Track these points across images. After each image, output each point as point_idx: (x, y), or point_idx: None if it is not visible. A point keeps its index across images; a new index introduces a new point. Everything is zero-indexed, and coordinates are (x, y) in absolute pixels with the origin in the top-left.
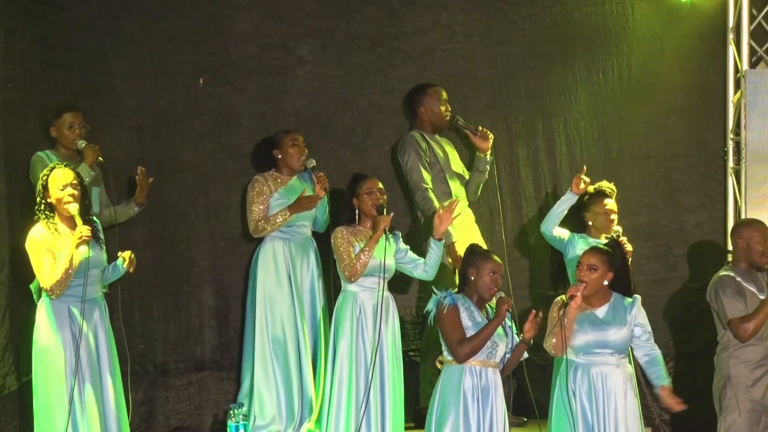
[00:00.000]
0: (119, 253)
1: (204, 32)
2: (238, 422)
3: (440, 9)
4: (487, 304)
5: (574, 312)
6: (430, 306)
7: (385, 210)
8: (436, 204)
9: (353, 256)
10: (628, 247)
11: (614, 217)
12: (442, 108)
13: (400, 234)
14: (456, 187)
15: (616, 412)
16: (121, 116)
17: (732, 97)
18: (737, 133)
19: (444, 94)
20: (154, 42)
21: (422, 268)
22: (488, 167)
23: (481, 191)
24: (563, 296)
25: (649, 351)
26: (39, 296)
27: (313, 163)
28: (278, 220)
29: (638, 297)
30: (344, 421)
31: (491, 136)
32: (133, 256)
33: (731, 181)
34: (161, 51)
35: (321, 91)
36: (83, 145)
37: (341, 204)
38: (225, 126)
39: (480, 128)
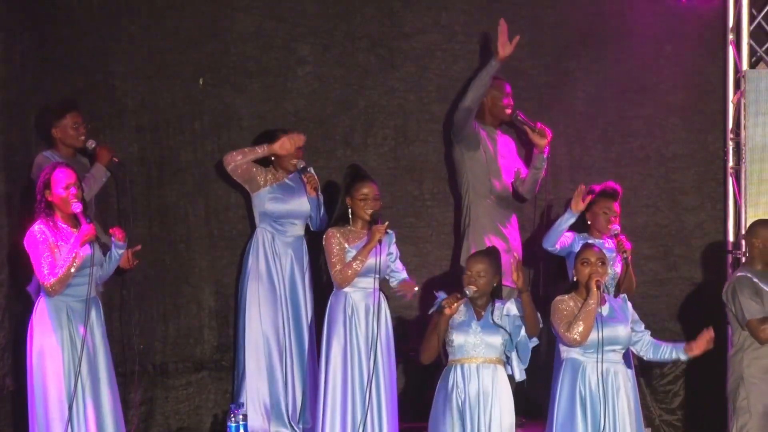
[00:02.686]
0: (110, 230)
1: (204, 32)
2: (238, 422)
3: (440, 9)
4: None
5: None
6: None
7: (380, 219)
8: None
9: (344, 262)
10: (626, 245)
11: (613, 219)
12: (504, 101)
13: (393, 234)
14: (497, 186)
15: (623, 410)
16: (121, 116)
17: (732, 97)
18: (737, 133)
19: (508, 88)
20: (154, 42)
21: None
22: (544, 164)
23: None
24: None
25: (647, 343)
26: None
27: (302, 164)
28: None
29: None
30: (339, 421)
31: (548, 134)
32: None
33: (731, 181)
34: (161, 51)
35: (321, 92)
36: (94, 146)
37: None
38: (225, 126)
39: (538, 125)
